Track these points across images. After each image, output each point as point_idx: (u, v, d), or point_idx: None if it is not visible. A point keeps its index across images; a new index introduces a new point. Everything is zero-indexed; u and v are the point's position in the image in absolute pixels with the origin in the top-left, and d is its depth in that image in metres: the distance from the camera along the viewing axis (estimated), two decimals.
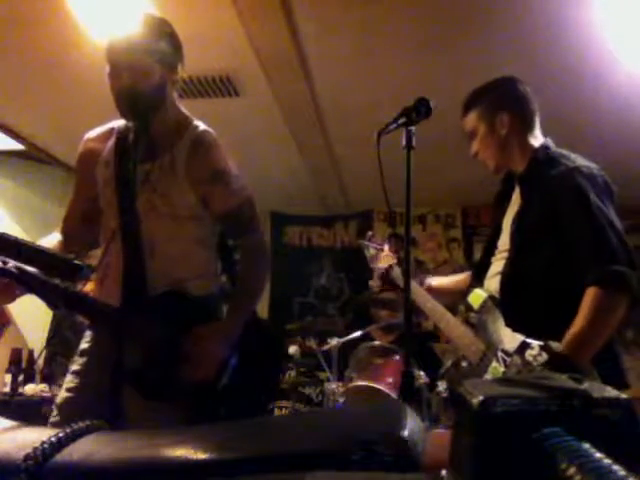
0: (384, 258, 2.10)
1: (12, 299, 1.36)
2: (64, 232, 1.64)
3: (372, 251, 2.19)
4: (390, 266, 2.06)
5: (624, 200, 1.65)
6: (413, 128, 1.49)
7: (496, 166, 1.77)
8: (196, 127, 1.58)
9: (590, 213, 1.49)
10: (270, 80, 3.29)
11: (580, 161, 1.60)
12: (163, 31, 1.50)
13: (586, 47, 2.91)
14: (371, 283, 2.14)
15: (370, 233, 2.29)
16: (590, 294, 1.43)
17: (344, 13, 2.73)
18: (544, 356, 1.44)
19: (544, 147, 1.70)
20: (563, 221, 1.53)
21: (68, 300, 1.38)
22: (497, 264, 1.72)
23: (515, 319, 1.59)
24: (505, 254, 1.69)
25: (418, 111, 1.49)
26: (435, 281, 2.05)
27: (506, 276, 1.66)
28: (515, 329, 1.57)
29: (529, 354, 1.47)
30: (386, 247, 2.15)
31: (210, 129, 1.61)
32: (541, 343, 1.47)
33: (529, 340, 1.50)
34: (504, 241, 1.72)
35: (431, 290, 1.94)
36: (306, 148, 4.29)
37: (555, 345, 1.44)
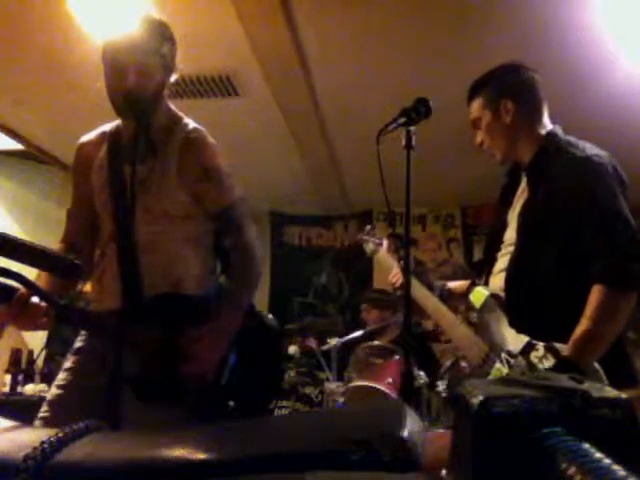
0: (395, 272, 1.95)
1: (33, 325, 1.30)
2: (67, 244, 1.62)
3: (371, 246, 2.13)
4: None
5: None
6: (413, 128, 1.48)
7: (502, 156, 1.68)
8: (186, 125, 1.57)
9: (598, 205, 1.42)
10: (270, 80, 3.29)
11: (589, 150, 1.50)
12: (167, 34, 1.52)
13: (585, 48, 2.91)
14: (390, 278, 2.01)
15: (369, 227, 2.22)
16: (595, 292, 1.36)
17: (344, 14, 2.73)
18: (549, 358, 1.38)
19: (552, 135, 1.60)
20: (571, 213, 1.46)
21: (61, 314, 1.38)
22: (503, 260, 1.64)
23: (521, 318, 1.52)
24: (511, 248, 1.60)
25: (418, 111, 1.49)
26: (452, 284, 1.93)
27: (511, 273, 1.57)
28: (521, 329, 1.50)
29: (534, 356, 1.41)
30: (385, 242, 2.11)
31: (200, 127, 1.59)
32: (546, 344, 1.41)
33: (534, 341, 1.43)
34: (510, 235, 1.64)
35: (452, 293, 1.86)
36: (306, 148, 4.28)
37: (560, 347, 1.38)
